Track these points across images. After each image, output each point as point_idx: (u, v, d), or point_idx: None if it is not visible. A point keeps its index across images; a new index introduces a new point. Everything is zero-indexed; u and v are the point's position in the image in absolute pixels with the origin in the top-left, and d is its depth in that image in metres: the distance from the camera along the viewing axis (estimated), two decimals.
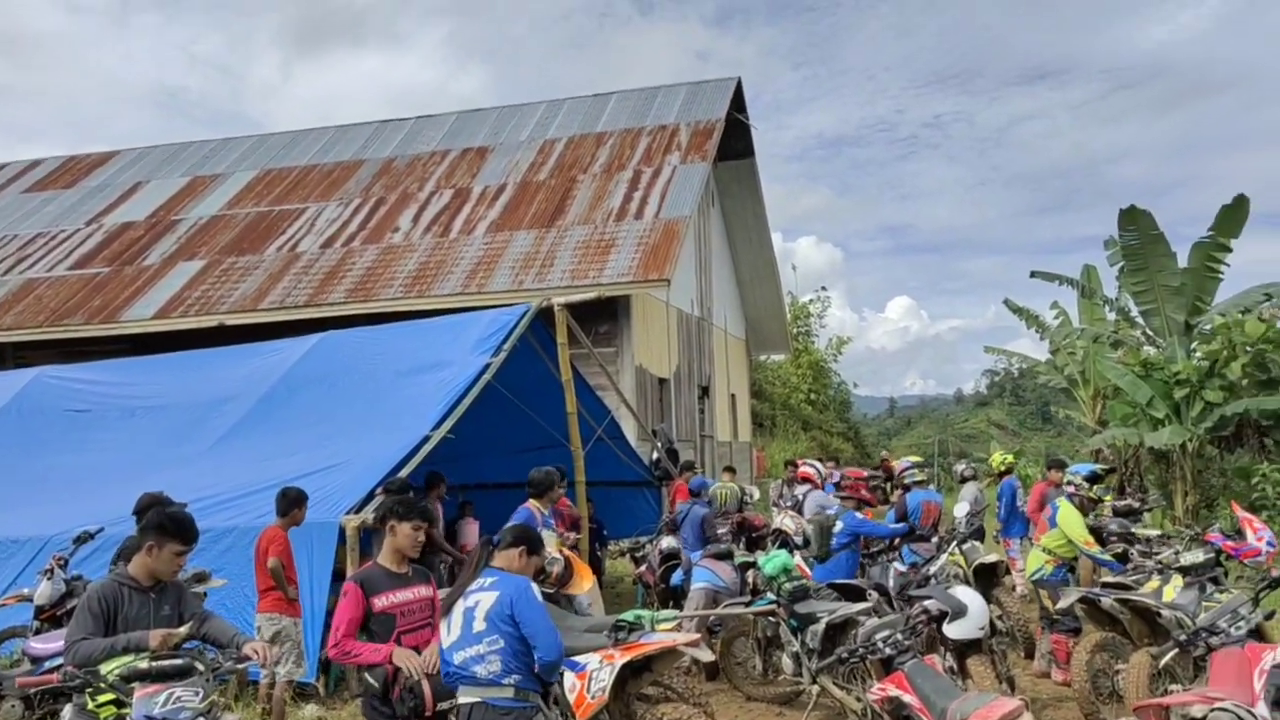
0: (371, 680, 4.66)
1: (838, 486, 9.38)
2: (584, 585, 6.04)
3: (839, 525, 8.38)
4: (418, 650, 4.64)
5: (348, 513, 8.52)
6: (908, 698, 5.04)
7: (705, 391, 24.00)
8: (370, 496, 8.72)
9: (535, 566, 4.35)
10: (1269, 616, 5.14)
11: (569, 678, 5.49)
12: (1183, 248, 18.55)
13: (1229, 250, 18.51)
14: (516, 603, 4.22)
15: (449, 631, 4.37)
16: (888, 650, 5.32)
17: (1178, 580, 7.14)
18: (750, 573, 7.87)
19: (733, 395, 27.07)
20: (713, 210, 25.06)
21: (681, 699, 6.09)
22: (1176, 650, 4.86)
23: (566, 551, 6.21)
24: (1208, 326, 19.01)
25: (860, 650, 5.37)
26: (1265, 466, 14.98)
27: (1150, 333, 20.19)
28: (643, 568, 9.74)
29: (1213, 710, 3.88)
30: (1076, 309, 24.36)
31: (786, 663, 7.28)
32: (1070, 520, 8.10)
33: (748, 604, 7.55)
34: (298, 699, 7.67)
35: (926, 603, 5.42)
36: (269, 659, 4.59)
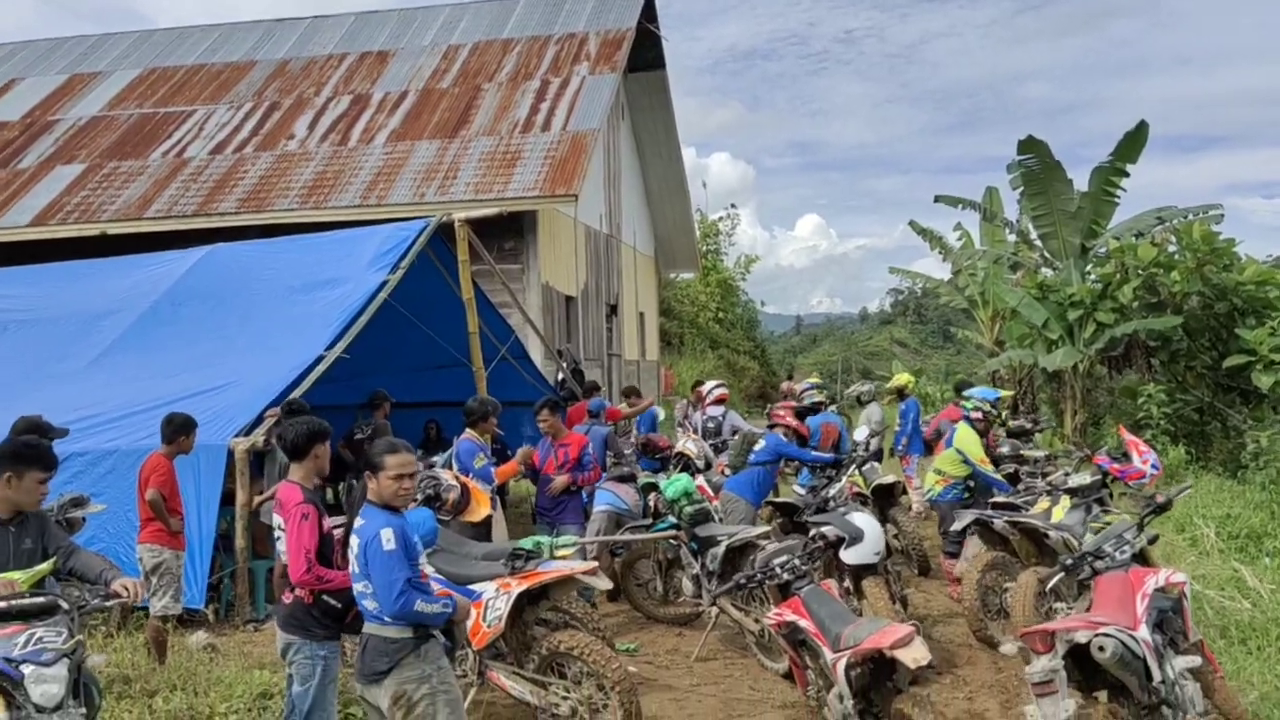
0: (334, 602, 4.49)
1: (768, 414, 9.39)
2: (480, 512, 5.90)
3: (761, 443, 8.37)
4: None
5: (237, 435, 8.20)
6: (803, 622, 5.06)
7: (613, 310, 23.84)
8: (260, 419, 8.40)
9: (392, 486, 4.14)
10: (1152, 541, 5.28)
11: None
12: (1082, 170, 19.11)
13: (1126, 175, 18.94)
14: (366, 549, 4.07)
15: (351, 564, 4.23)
16: (785, 575, 5.33)
17: (1066, 501, 7.33)
18: (652, 496, 7.84)
19: (641, 314, 26.97)
20: (622, 124, 24.58)
21: (580, 625, 6.05)
22: (1063, 573, 4.96)
23: (463, 478, 6.04)
24: (1102, 250, 19.53)
25: (759, 575, 5.37)
26: (1151, 386, 15.50)
27: (1048, 255, 20.68)
28: None
29: (1096, 635, 3.95)
30: (979, 231, 24.82)
31: (687, 585, 7.30)
32: (967, 440, 8.29)
33: (649, 527, 7.52)
34: (183, 626, 7.42)
35: (824, 528, 5.43)
36: (139, 596, 4.33)
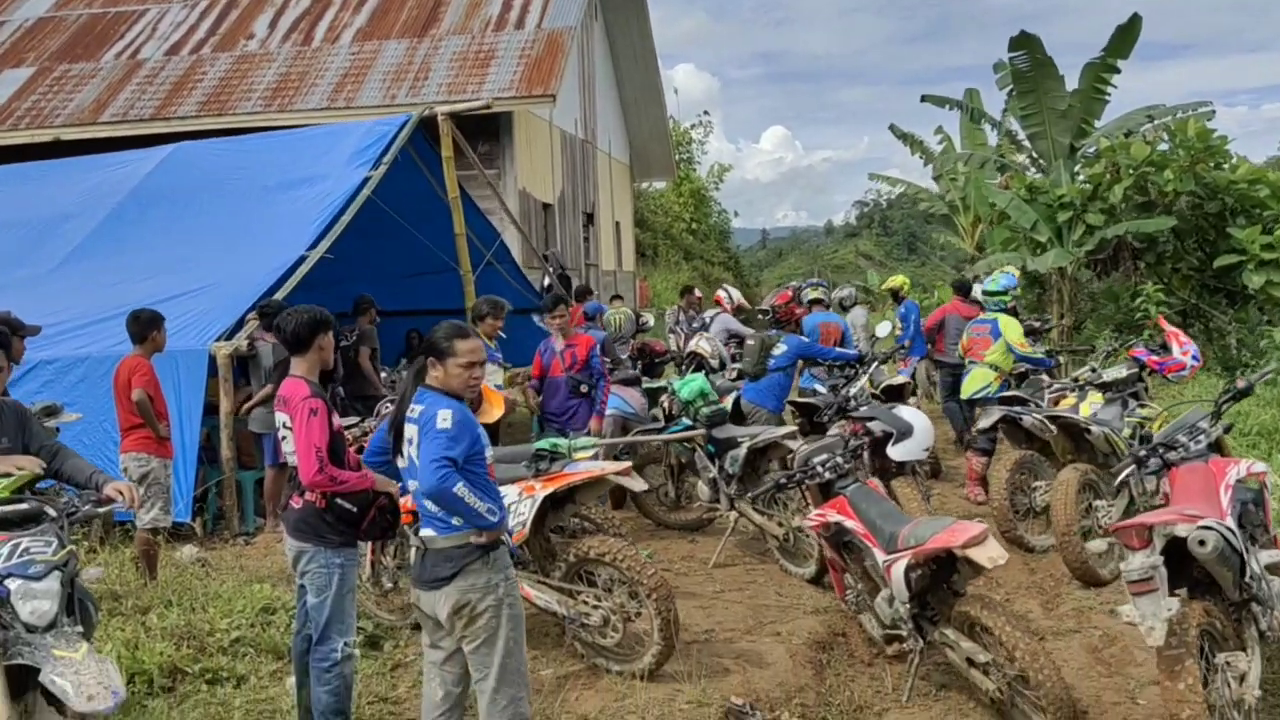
0: (349, 506, 4.09)
1: (774, 315, 8.92)
2: (493, 414, 5.49)
3: (781, 347, 7.97)
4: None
5: (218, 339, 7.70)
6: (850, 523, 4.73)
7: (590, 218, 23.24)
8: (242, 322, 7.90)
9: (462, 375, 3.72)
10: (1228, 430, 4.99)
11: None
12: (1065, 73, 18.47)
13: (1118, 71, 18.48)
14: (423, 430, 3.63)
15: (403, 457, 3.78)
16: (826, 475, 4.98)
17: (1094, 397, 7.04)
18: (664, 398, 7.45)
19: (617, 223, 26.37)
20: (595, 25, 23.62)
21: (601, 530, 5.70)
22: (1134, 465, 4.64)
23: None
24: (1092, 149, 19.15)
25: (798, 475, 5.02)
26: (1149, 286, 15.26)
27: (1036, 156, 20.27)
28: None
29: (1197, 528, 3.64)
30: (960, 136, 24.31)
31: (702, 489, 6.97)
32: (1011, 326, 8.08)
33: (662, 429, 7.16)
34: (174, 540, 7.02)
35: (870, 423, 5.06)
36: (136, 501, 3.90)
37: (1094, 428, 6.24)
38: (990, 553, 3.96)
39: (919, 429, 4.92)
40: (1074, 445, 6.58)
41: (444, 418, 3.59)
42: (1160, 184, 16.53)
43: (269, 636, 5.28)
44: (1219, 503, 4.04)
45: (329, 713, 4.10)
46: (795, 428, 6.61)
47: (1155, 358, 6.84)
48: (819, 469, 5.00)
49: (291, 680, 4.45)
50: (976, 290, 11.33)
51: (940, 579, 4.44)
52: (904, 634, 4.68)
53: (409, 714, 4.65)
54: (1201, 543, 3.63)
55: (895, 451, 4.97)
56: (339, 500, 4.07)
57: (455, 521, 3.63)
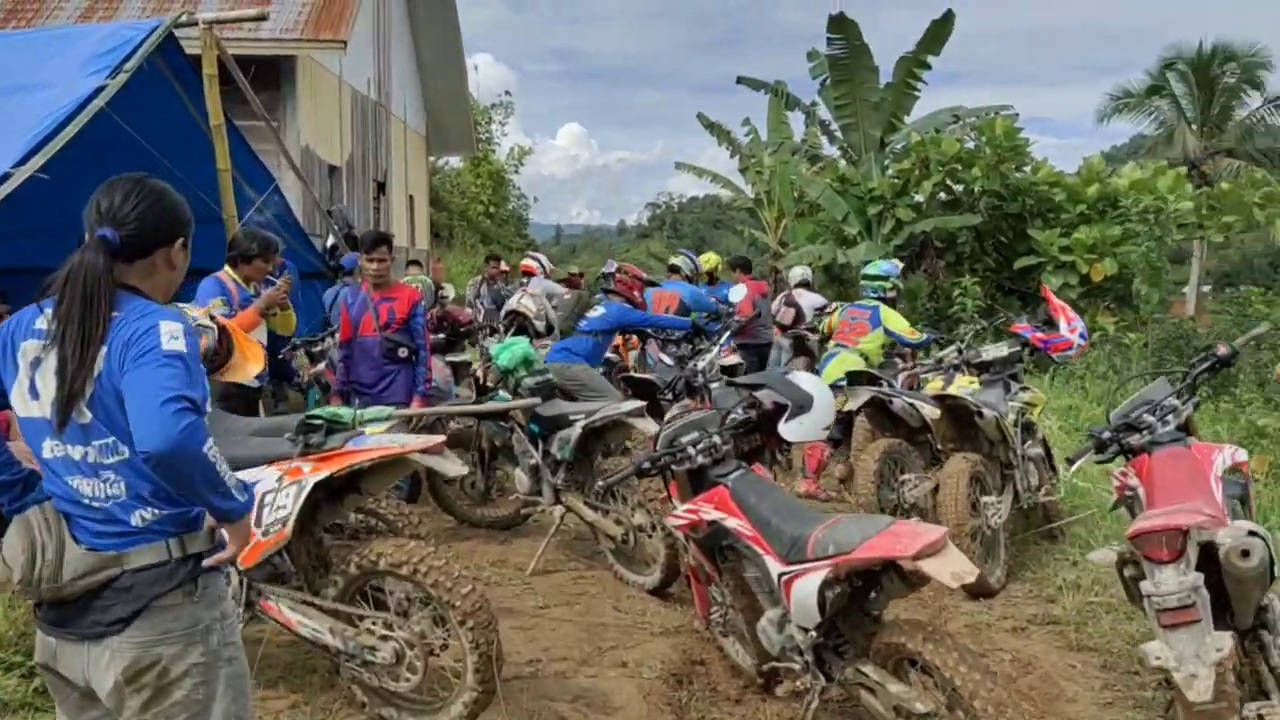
0: None
1: (608, 278, 7.69)
2: (249, 369, 4.00)
3: (599, 310, 6.72)
4: None
5: None
6: (734, 522, 3.56)
7: (381, 188, 21.36)
8: None
9: (180, 260, 2.32)
10: (1198, 406, 4.16)
11: None
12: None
13: (929, 68, 18.49)
14: (126, 353, 2.17)
15: (36, 400, 2.27)
16: (700, 459, 3.82)
17: (963, 380, 6.23)
18: (476, 366, 6.09)
19: (411, 197, 24.50)
20: None
21: (395, 530, 4.32)
22: (1093, 450, 3.73)
23: (223, 319, 4.04)
24: (901, 144, 19.12)
25: (662, 460, 3.83)
26: (966, 279, 15.12)
27: (847, 147, 20.07)
28: (321, 365, 7.70)
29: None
30: (767, 128, 23.96)
31: (521, 479, 5.65)
32: (895, 317, 7.41)
33: (474, 403, 5.81)
34: None
35: (760, 393, 3.93)
36: None
37: (986, 411, 5.38)
38: (954, 566, 2.85)
39: (820, 402, 3.84)
40: (956, 432, 5.72)
41: (171, 333, 2.16)
42: (968, 181, 16.57)
43: None
44: (1214, 498, 3.14)
45: None
46: (642, 403, 5.42)
47: (1040, 334, 6.11)
48: (690, 451, 3.81)
49: None
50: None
51: (858, 599, 3.35)
52: (797, 668, 3.56)
53: None
54: (1245, 553, 2.68)
55: (789, 429, 3.86)
56: None
57: (144, 517, 2.20)
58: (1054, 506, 6.06)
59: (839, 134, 19.83)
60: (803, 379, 4.00)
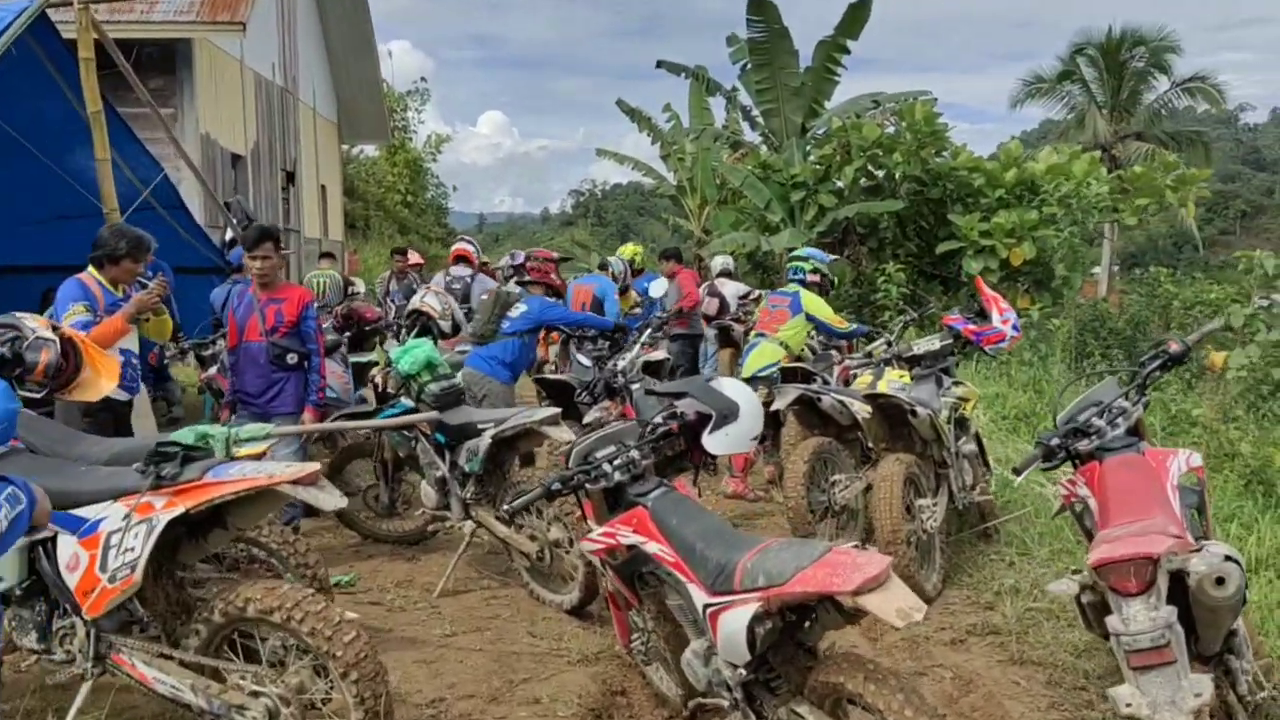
0: None
1: (519, 270, 7.19)
2: (100, 387, 3.51)
3: (521, 307, 6.25)
4: None
5: None
6: (655, 547, 3.21)
7: (290, 178, 20.56)
8: None
9: None
10: (1146, 405, 3.88)
11: (67, 547, 3.05)
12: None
13: (848, 52, 18.33)
14: None
15: None
16: (617, 476, 3.45)
17: (892, 374, 5.96)
18: (373, 372, 5.63)
19: (323, 186, 23.68)
20: None
21: (271, 567, 3.88)
22: (1041, 458, 3.45)
23: (69, 330, 3.54)
24: (822, 130, 18.96)
25: (576, 476, 3.45)
26: (891, 266, 14.99)
27: (769, 133, 19.84)
28: (213, 370, 7.15)
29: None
30: (689, 114, 23.66)
31: (427, 492, 5.23)
32: (818, 304, 7.05)
33: (374, 412, 5.36)
34: None
35: (681, 403, 3.58)
36: None
37: (920, 410, 5.10)
38: (899, 603, 2.51)
39: (746, 410, 3.49)
40: (889, 431, 5.44)
41: None
42: (890, 166, 16.48)
43: None
44: (1173, 511, 2.87)
45: None
46: (557, 410, 5.03)
47: (972, 326, 5.86)
48: (606, 468, 3.44)
49: None
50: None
51: (791, 630, 3.01)
52: (725, 704, 3.22)
53: None
54: (1220, 581, 2.40)
55: (714, 442, 3.50)
56: None
57: None
58: (989, 505, 5.83)
59: (760, 119, 19.59)
60: (727, 386, 3.64)
